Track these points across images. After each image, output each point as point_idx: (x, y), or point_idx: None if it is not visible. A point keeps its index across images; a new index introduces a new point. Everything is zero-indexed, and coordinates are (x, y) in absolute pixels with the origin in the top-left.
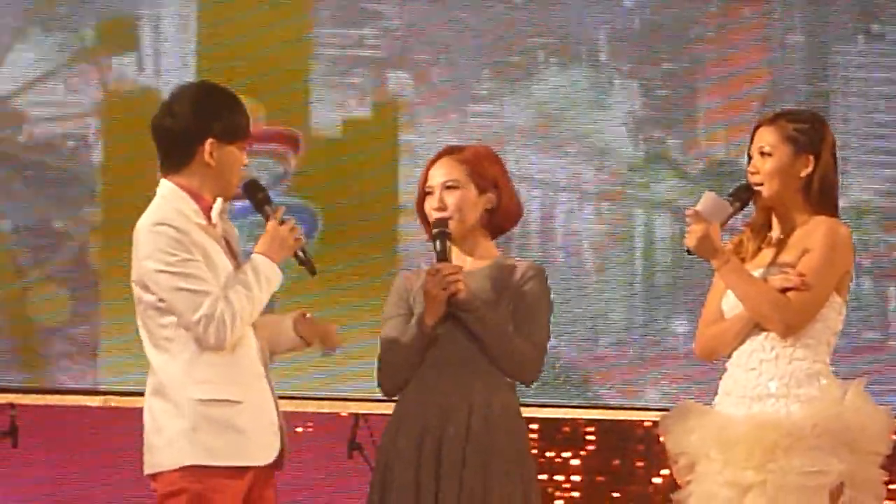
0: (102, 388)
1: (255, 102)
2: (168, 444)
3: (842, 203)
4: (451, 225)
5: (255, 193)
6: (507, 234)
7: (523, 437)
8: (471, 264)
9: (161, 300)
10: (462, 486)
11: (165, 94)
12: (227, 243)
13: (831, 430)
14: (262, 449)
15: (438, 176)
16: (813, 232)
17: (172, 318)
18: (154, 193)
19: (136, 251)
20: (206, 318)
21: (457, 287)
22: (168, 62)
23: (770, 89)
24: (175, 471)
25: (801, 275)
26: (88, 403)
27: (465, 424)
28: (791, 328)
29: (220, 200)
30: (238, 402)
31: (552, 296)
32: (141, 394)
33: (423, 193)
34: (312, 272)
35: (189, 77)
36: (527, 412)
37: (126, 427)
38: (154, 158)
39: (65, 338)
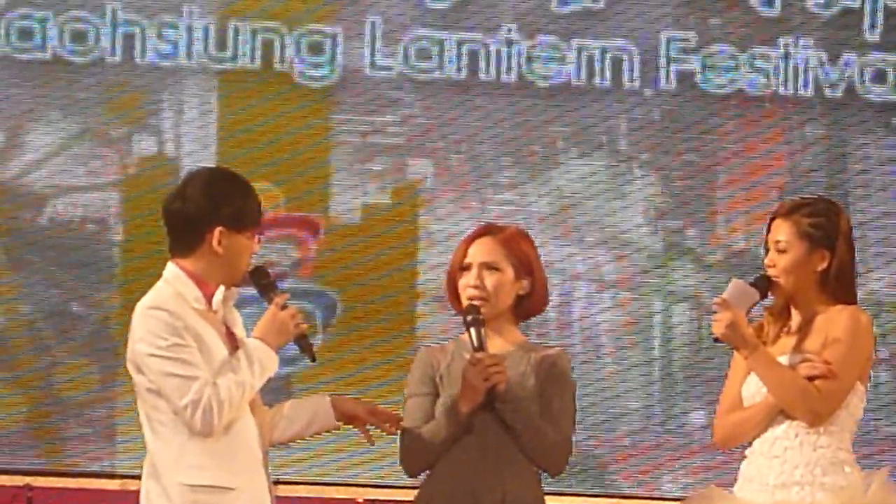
0: (120, 471)
1: (274, 187)
2: None
3: (859, 295)
4: (485, 308)
5: (260, 280)
6: (526, 321)
7: None
8: (497, 348)
9: (152, 383)
10: None
11: None
12: (229, 330)
13: None
14: None
15: (479, 255)
16: (834, 319)
17: (165, 402)
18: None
19: (132, 333)
20: (192, 403)
21: (499, 378)
22: (189, 146)
23: (789, 180)
24: None
25: (826, 362)
26: (106, 487)
27: None
28: (819, 416)
29: (222, 287)
30: (229, 489)
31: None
32: None
33: (459, 269)
34: (312, 359)
35: (209, 161)
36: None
37: None
38: None
39: (83, 419)
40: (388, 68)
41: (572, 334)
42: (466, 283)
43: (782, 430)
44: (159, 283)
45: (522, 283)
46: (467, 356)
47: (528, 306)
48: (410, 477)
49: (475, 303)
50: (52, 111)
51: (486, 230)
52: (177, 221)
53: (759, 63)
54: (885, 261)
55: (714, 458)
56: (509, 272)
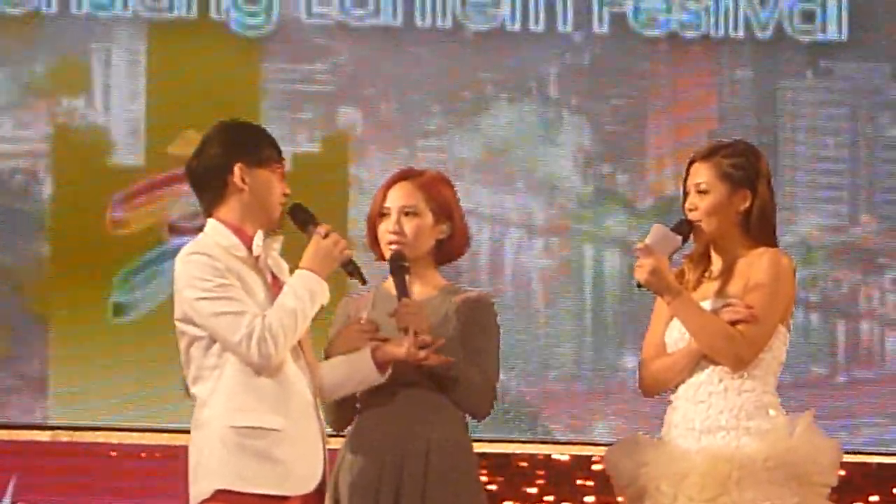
0: (51, 422)
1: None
2: (205, 472)
3: (789, 238)
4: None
5: (300, 215)
6: (456, 268)
7: (477, 472)
8: (418, 293)
9: (204, 330)
10: None
11: (115, 129)
12: (274, 277)
13: (784, 463)
14: (299, 479)
15: (397, 199)
16: (755, 263)
17: (217, 347)
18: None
19: (176, 285)
20: (246, 336)
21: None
22: (117, 97)
23: (718, 124)
24: (212, 498)
25: (748, 307)
26: (37, 438)
27: (423, 461)
28: (742, 361)
29: (260, 232)
30: (276, 431)
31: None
32: (92, 429)
33: (378, 214)
34: (363, 282)
35: (139, 112)
36: (477, 447)
37: (73, 462)
38: (103, 194)
39: (14, 371)
40: (324, 15)
41: (503, 280)
42: (386, 228)
43: (706, 375)
44: (199, 235)
45: (442, 227)
46: (388, 305)
47: (447, 250)
48: (336, 431)
49: (395, 248)
50: None
51: (405, 175)
52: (199, 177)
53: (691, 4)
54: (814, 204)
55: (646, 404)
56: (428, 217)
